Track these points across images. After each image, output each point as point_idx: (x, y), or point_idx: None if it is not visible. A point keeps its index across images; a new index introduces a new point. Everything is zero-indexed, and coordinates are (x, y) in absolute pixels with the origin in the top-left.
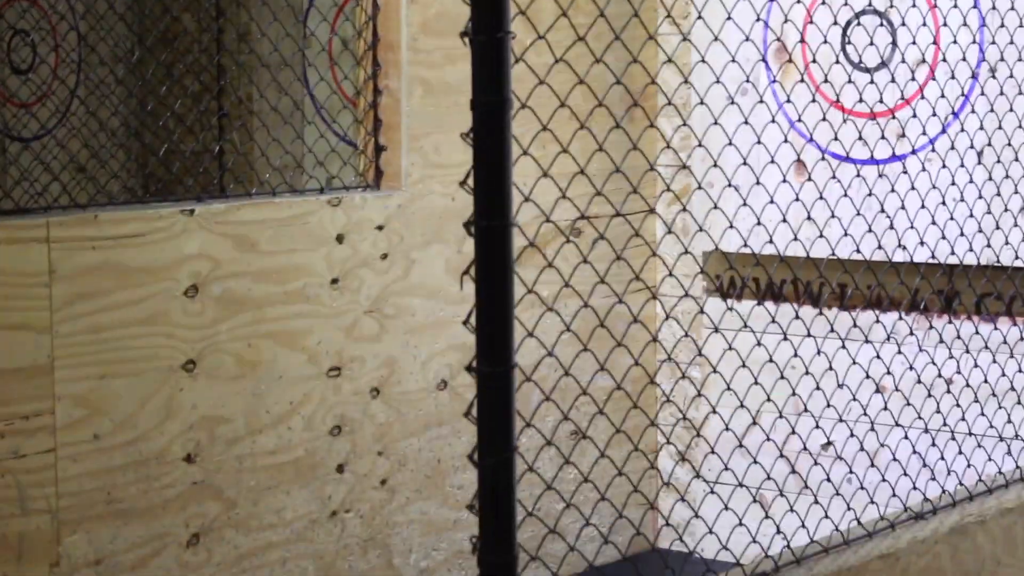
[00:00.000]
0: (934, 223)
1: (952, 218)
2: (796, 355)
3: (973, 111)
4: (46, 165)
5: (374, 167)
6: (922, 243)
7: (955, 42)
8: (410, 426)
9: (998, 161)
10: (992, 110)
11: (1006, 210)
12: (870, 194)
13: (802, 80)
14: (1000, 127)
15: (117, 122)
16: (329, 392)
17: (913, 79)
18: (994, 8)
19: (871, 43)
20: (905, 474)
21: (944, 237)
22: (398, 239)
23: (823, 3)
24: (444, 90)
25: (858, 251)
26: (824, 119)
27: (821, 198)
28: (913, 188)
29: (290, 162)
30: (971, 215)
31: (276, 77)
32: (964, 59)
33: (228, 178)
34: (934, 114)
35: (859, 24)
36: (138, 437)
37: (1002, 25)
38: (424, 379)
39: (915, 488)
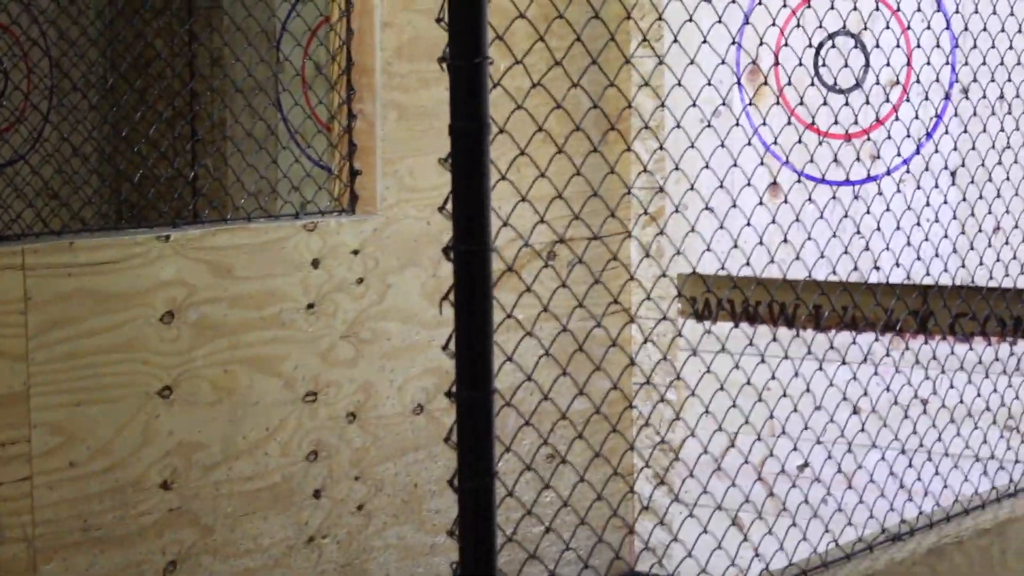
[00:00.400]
0: (909, 244)
1: (927, 239)
2: (773, 377)
3: (946, 132)
4: (19, 191)
5: (349, 191)
6: (897, 264)
7: (928, 63)
8: (386, 451)
9: (971, 182)
10: (965, 131)
11: (980, 231)
12: (845, 215)
13: (777, 102)
14: (973, 148)
15: (90, 148)
16: (305, 417)
17: (887, 100)
18: (966, 29)
19: (845, 65)
20: (882, 495)
21: (919, 258)
22: (373, 263)
23: (797, 26)
24: (418, 114)
25: (834, 272)
26: (799, 141)
27: (797, 220)
28: (888, 209)
29: (265, 187)
30: (945, 236)
31: (250, 102)
32: (937, 80)
33: (202, 203)
34: (908, 135)
35: (833, 46)
36: (114, 464)
37: (974, 46)
38: (400, 403)
39: (892, 509)
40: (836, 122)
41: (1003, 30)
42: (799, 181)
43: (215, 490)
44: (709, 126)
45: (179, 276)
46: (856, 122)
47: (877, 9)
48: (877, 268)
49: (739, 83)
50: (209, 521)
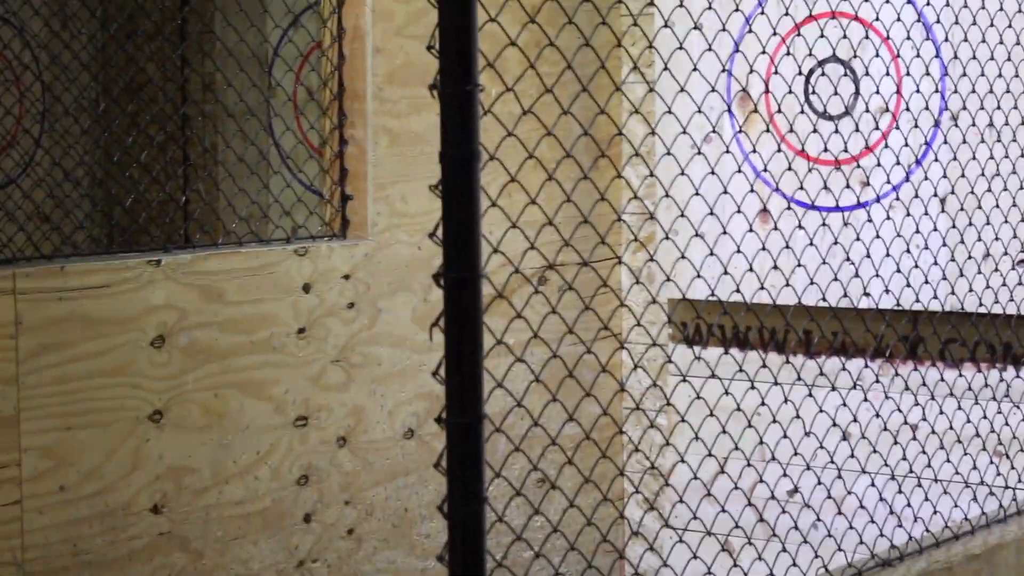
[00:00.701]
0: (898, 270)
1: (916, 265)
2: (763, 403)
3: (936, 159)
4: (11, 215)
5: (340, 216)
6: (887, 290)
7: (918, 90)
8: (377, 475)
9: (961, 208)
10: (955, 158)
11: (969, 257)
12: (835, 242)
13: (767, 129)
14: (963, 175)
15: (82, 172)
16: (296, 441)
17: (877, 127)
18: (956, 57)
19: (835, 92)
20: (872, 521)
21: (908, 284)
22: (364, 288)
23: (787, 53)
24: (410, 139)
25: (824, 298)
26: (789, 168)
27: (787, 246)
28: (878, 236)
29: (256, 212)
30: (935, 262)
31: (242, 127)
32: (927, 107)
33: (194, 228)
34: (898, 162)
35: (823, 73)
36: (105, 488)
37: (964, 74)
38: (391, 428)
39: (882, 535)
40: (826, 149)
41: (992, 58)
42: (789, 207)
43: (205, 514)
44: (699, 152)
45: (170, 300)
46: (846, 149)
47: (867, 37)
48: (867, 294)
49: (729, 110)
50: (199, 545)
